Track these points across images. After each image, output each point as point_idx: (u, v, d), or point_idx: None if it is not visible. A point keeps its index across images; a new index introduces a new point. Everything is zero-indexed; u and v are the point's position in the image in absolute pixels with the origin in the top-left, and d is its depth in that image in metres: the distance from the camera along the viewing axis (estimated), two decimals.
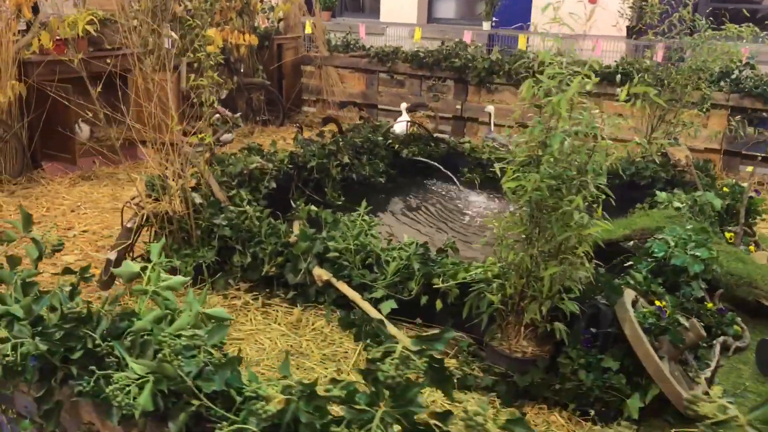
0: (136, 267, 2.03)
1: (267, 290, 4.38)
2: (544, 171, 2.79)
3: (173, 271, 3.98)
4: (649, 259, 4.04)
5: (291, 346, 3.93)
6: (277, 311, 4.25)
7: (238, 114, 6.06)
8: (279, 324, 4.12)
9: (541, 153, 2.85)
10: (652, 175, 5.88)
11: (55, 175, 6.76)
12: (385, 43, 10.29)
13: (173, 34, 7.82)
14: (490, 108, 7.56)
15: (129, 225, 4.25)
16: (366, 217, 4.35)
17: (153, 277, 1.95)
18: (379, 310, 3.88)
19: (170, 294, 1.93)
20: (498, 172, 3.13)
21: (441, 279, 3.78)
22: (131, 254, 4.41)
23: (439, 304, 3.77)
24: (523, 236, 3.10)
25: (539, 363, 3.43)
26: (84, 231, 5.56)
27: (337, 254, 4.08)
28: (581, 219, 2.78)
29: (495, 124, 7.64)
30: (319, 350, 3.87)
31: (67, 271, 2.22)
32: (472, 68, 8.42)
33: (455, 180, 6.43)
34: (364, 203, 4.41)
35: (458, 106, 8.71)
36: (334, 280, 4.06)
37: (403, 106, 7.33)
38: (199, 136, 4.39)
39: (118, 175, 7.05)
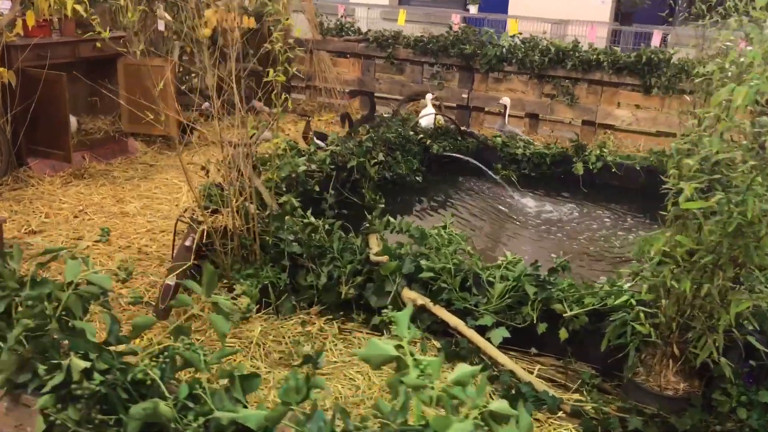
0: (389, 348, 1.52)
1: (341, 314, 3.86)
2: (759, 191, 2.38)
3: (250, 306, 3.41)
4: None
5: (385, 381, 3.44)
6: (358, 339, 3.74)
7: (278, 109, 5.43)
8: None
9: (753, 170, 2.43)
10: None
11: (44, 173, 5.99)
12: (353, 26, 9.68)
13: (167, 15, 7.11)
14: (506, 99, 7.14)
15: (188, 243, 3.64)
16: (453, 230, 3.87)
17: (432, 368, 1.45)
18: (488, 339, 3.43)
19: (460, 391, 1.43)
20: (673, 185, 2.71)
21: (564, 304, 3.35)
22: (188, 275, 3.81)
23: (564, 334, 3.34)
24: (708, 264, 2.68)
25: (694, 401, 3.06)
26: (96, 241, 4.88)
27: (431, 274, 3.60)
28: None
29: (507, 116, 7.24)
30: None
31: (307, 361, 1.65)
32: (481, 55, 7.96)
33: (504, 183, 5.96)
34: (449, 214, 3.93)
35: (464, 95, 8.26)
36: (430, 305, 3.58)
37: (429, 97, 6.82)
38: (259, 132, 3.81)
39: (114, 172, 6.33)
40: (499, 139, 6.31)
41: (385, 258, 3.59)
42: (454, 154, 6.06)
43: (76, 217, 5.29)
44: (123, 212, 5.42)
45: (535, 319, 3.37)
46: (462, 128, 6.48)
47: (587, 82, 7.73)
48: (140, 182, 6.15)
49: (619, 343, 3.21)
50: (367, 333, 3.77)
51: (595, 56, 7.50)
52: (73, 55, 6.24)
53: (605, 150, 6.12)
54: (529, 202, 5.67)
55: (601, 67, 7.52)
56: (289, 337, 3.69)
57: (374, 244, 3.84)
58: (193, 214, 3.81)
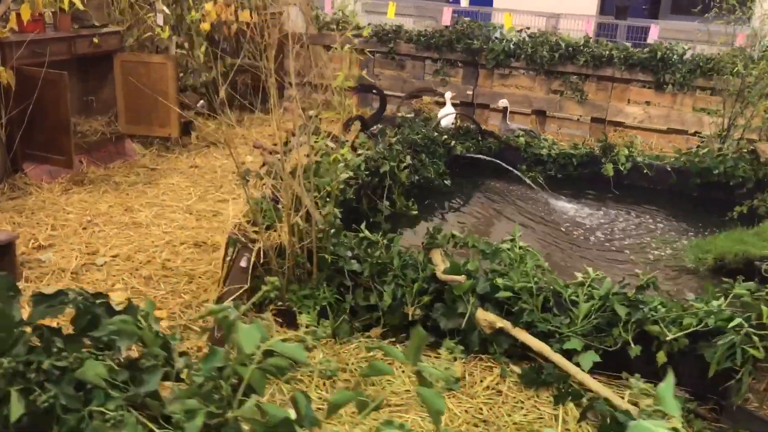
0: (659, 430, 1.25)
1: (404, 336, 3.58)
2: None
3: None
4: None
5: (467, 411, 3.18)
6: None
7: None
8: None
9: None
10: (742, 175, 5.43)
11: (41, 180, 5.54)
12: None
13: (165, 9, 6.69)
14: (505, 102, 6.76)
15: (243, 264, 3.31)
16: (524, 245, 3.61)
17: None
18: (577, 364, 3.19)
19: None
20: None
21: (661, 326, 3.13)
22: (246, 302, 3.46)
23: (662, 357, 3.12)
24: None
25: None
26: (114, 256, 4.49)
27: (509, 294, 3.33)
28: None
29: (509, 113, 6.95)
30: (508, 416, 3.14)
31: None
32: (488, 50, 7.71)
33: (535, 186, 5.71)
34: (517, 227, 3.67)
35: (469, 92, 8.00)
36: (509, 327, 3.32)
37: (448, 95, 6.52)
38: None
39: (115, 177, 5.90)
40: (521, 139, 6.06)
41: (462, 278, 3.30)
42: (481, 155, 5.80)
43: (84, 228, 4.88)
44: (135, 222, 5.03)
45: (630, 341, 3.14)
46: (483, 128, 6.22)
47: (597, 78, 7.54)
48: (145, 188, 5.74)
49: (723, 367, 3.00)
50: (435, 357, 3.49)
51: (607, 52, 7.31)
52: (70, 52, 5.78)
53: (633, 150, 5.93)
54: (564, 206, 5.44)
55: (612, 63, 7.34)
56: (353, 364, 3.40)
57: (438, 261, 3.56)
58: (243, 230, 3.47)
